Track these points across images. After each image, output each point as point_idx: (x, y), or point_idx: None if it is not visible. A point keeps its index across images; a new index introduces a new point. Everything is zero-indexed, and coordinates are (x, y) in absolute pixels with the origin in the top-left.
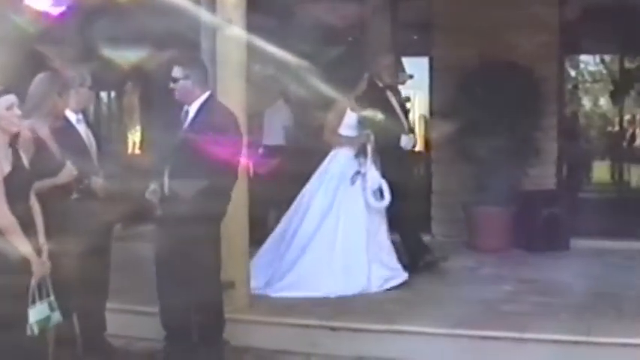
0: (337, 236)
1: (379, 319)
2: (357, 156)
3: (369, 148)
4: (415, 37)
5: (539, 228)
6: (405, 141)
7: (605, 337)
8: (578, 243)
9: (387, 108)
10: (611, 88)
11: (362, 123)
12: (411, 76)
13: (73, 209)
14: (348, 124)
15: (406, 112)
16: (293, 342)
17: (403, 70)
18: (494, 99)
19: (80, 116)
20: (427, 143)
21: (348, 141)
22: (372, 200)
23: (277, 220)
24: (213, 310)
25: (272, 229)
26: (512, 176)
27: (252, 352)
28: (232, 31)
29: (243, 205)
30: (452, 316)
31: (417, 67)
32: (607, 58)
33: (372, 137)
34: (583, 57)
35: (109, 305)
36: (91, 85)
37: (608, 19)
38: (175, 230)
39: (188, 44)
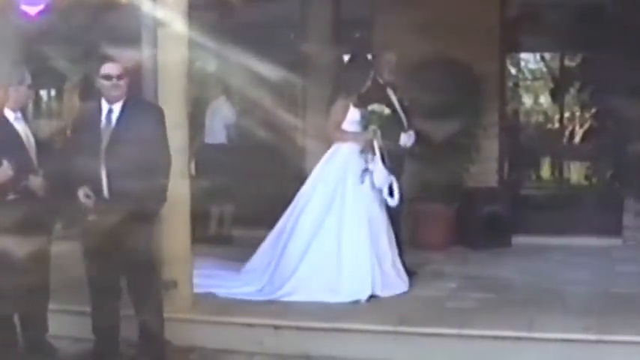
0: (340, 238)
1: (323, 318)
2: (363, 152)
3: (376, 145)
4: (357, 35)
5: (482, 225)
6: (404, 139)
7: (548, 332)
8: (520, 240)
9: (388, 105)
10: (551, 85)
11: (368, 118)
12: None
13: (10, 209)
14: (352, 120)
15: (405, 109)
16: (237, 341)
17: None
18: (435, 97)
19: (19, 114)
20: None
21: (354, 137)
22: (387, 198)
23: (220, 219)
24: (153, 310)
25: (215, 228)
26: (454, 174)
27: (196, 352)
28: (173, 29)
29: (184, 204)
30: (395, 313)
31: None
32: (547, 56)
33: (378, 133)
34: (524, 55)
35: (50, 306)
36: (30, 84)
37: (548, 18)
38: (112, 232)
39: (128, 42)
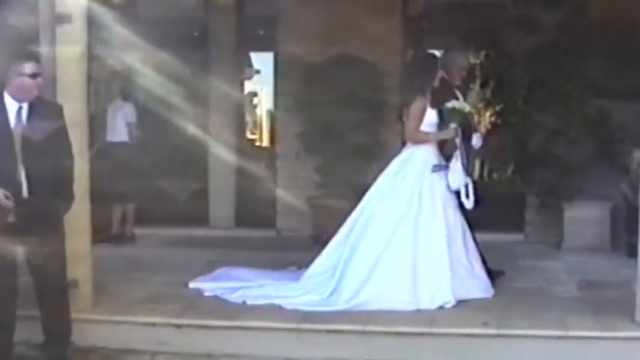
0: (417, 245)
1: (224, 316)
2: (448, 151)
3: (458, 143)
4: (261, 32)
5: None
6: (476, 139)
7: (448, 327)
8: None
9: None
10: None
11: (450, 116)
12: (257, 71)
13: None
14: (429, 122)
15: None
16: (139, 340)
17: (250, 65)
18: (338, 93)
19: None
20: (272, 138)
21: (436, 137)
22: (464, 199)
23: (123, 218)
24: (59, 310)
25: (117, 227)
26: (357, 170)
27: (97, 352)
28: (72, 26)
29: (84, 203)
30: (297, 310)
31: (263, 61)
32: None
33: (460, 131)
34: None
35: None
36: None
37: (451, 15)
38: (31, 233)
39: (27, 40)
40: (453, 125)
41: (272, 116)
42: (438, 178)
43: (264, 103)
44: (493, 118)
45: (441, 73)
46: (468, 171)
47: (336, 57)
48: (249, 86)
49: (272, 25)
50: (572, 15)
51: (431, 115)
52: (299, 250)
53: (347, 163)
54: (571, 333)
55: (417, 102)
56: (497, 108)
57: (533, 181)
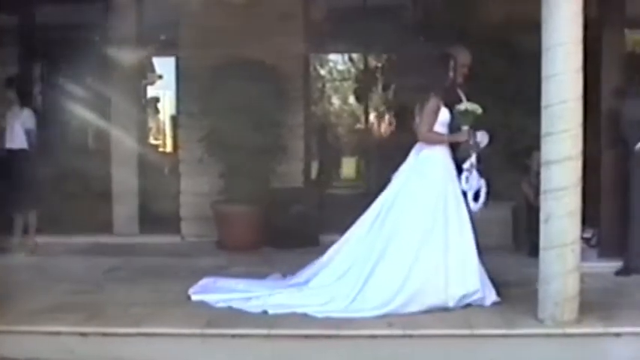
0: (447, 244)
1: (129, 323)
2: (459, 154)
3: (472, 145)
4: (162, 37)
5: (288, 225)
6: (480, 136)
7: (355, 329)
8: (327, 238)
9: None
10: (358, 85)
11: (463, 117)
12: (160, 76)
13: None
14: (442, 121)
15: None
16: (45, 350)
17: (153, 70)
18: (240, 98)
19: None
20: (175, 143)
21: (449, 139)
22: (471, 202)
23: (24, 227)
24: None
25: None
26: (260, 174)
27: None
28: None
29: None
30: (201, 316)
31: (165, 66)
32: (355, 57)
33: (472, 133)
34: (332, 56)
35: None
36: None
37: (352, 18)
38: None
39: None
40: (465, 127)
41: (175, 121)
42: (457, 179)
43: (167, 108)
44: (396, 121)
45: (452, 67)
46: (481, 174)
47: (238, 61)
48: (152, 91)
49: (173, 29)
50: (471, 18)
51: (444, 115)
52: (204, 255)
53: (250, 167)
54: (476, 331)
55: (432, 101)
56: (399, 110)
57: None
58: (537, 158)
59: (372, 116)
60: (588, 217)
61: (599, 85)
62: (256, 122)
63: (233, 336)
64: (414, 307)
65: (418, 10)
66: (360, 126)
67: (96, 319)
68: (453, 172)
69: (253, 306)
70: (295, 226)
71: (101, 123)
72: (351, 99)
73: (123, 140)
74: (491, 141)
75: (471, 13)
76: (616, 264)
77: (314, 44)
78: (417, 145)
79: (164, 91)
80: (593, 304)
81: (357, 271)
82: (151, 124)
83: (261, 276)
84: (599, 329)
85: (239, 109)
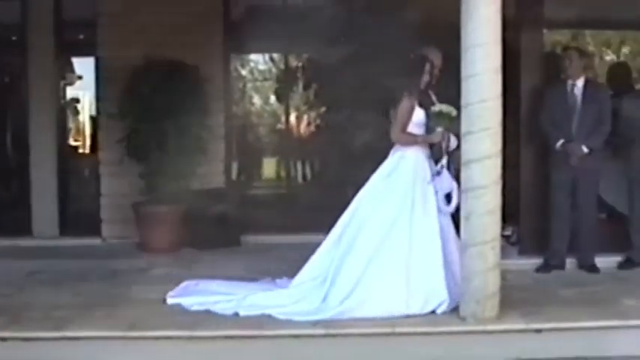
0: (411, 249)
1: (50, 327)
2: (433, 155)
3: (444, 147)
4: (81, 37)
5: (210, 226)
6: (452, 141)
7: (278, 329)
8: (249, 239)
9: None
10: (278, 85)
11: (436, 119)
12: (79, 77)
13: None
14: (417, 122)
15: None
16: None
17: (72, 70)
18: (160, 98)
19: None
20: (95, 144)
21: (423, 139)
22: (442, 204)
23: None
24: None
25: None
26: (181, 175)
27: None
28: None
29: None
30: (124, 318)
31: (85, 67)
32: (276, 57)
33: (447, 135)
34: (252, 56)
35: None
36: None
37: (272, 19)
38: None
39: None
40: (439, 129)
41: (95, 122)
42: (423, 179)
43: (87, 109)
44: (317, 121)
45: (428, 70)
46: (454, 176)
47: (158, 61)
48: (71, 92)
49: (92, 29)
50: (392, 17)
51: (419, 115)
52: (125, 257)
53: (171, 168)
54: (398, 329)
55: (405, 101)
56: (321, 110)
57: (358, 182)
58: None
59: (292, 116)
60: (508, 215)
61: (518, 85)
62: (176, 123)
63: (156, 338)
64: (369, 311)
65: (339, 10)
66: (281, 126)
67: (16, 323)
68: (425, 173)
69: (227, 308)
70: (216, 227)
71: (19, 124)
72: (272, 99)
73: (42, 141)
74: (458, 145)
75: (392, 14)
76: (536, 261)
77: (235, 44)
78: (395, 147)
79: (84, 91)
80: (514, 300)
81: (323, 274)
82: (71, 125)
83: (183, 277)
84: (520, 326)
85: (159, 109)
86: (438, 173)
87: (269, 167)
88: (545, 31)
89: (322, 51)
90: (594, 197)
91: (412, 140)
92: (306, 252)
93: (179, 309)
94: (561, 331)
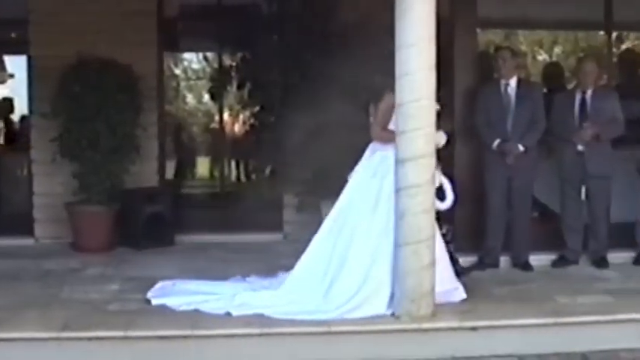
0: (369, 247)
1: None
2: None
3: None
4: (13, 35)
5: (143, 225)
6: (438, 137)
7: (211, 329)
8: (183, 238)
9: None
10: (212, 84)
11: None
12: (11, 75)
13: None
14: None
15: None
16: None
17: (3, 69)
18: (92, 97)
19: None
20: (27, 144)
21: None
22: (436, 202)
23: None
24: None
25: None
26: (114, 175)
27: None
28: None
29: None
30: (58, 319)
31: (17, 65)
32: (210, 55)
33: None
34: (187, 55)
35: None
36: None
37: (207, 17)
38: None
39: None
40: None
41: (27, 121)
42: None
43: (19, 108)
44: (251, 120)
45: None
46: (442, 172)
47: (91, 60)
48: (3, 91)
49: (24, 27)
50: (326, 16)
51: None
52: (58, 257)
53: (104, 167)
54: (333, 329)
55: (386, 99)
56: (255, 109)
57: (291, 181)
58: None
59: (226, 116)
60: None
61: (452, 84)
62: (109, 122)
63: (89, 339)
64: (366, 311)
65: (273, 9)
66: (214, 125)
67: None
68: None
69: (217, 307)
70: (150, 226)
71: None
72: (206, 98)
73: None
74: (449, 141)
75: (326, 12)
76: (471, 259)
77: (168, 42)
78: (371, 145)
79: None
80: None
81: (319, 273)
82: (1, 124)
83: (116, 277)
84: (455, 324)
85: (92, 108)
86: None
87: (203, 166)
88: (478, 30)
89: (256, 50)
90: (529, 196)
91: (392, 137)
92: (240, 251)
93: (114, 308)
94: (496, 329)
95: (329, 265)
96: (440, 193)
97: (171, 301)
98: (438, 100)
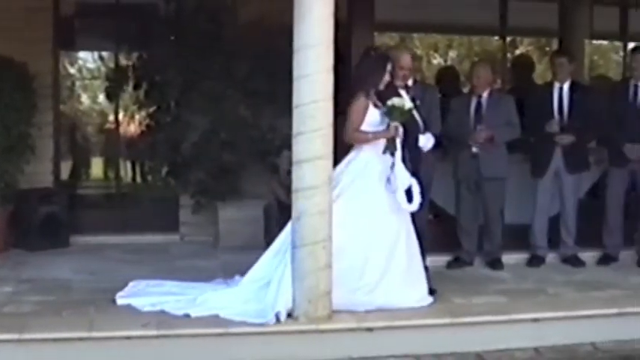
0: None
1: None
2: (385, 152)
3: (399, 143)
4: None
5: (38, 226)
6: (423, 140)
7: (108, 331)
8: (78, 239)
9: None
10: (108, 84)
11: (390, 114)
12: None
13: None
14: (371, 121)
15: (419, 110)
16: None
17: None
18: None
19: None
20: None
21: (375, 136)
22: (403, 203)
23: None
24: None
25: None
26: (8, 175)
27: None
28: None
29: None
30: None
31: None
32: (105, 55)
33: (400, 130)
34: (82, 54)
35: None
36: None
37: (104, 15)
38: None
39: None
40: (394, 124)
41: None
42: (378, 179)
43: None
44: (147, 120)
45: (389, 70)
46: (412, 172)
47: None
48: None
49: None
50: (223, 17)
51: (374, 115)
52: None
53: None
54: (230, 330)
55: (359, 100)
56: (151, 110)
57: (187, 182)
58: (288, 157)
59: (122, 116)
60: None
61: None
62: (3, 120)
63: None
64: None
65: (170, 9)
66: (110, 125)
67: None
68: (372, 173)
69: (177, 308)
70: (45, 228)
71: None
72: (102, 98)
73: None
74: (436, 145)
75: (224, 13)
76: None
77: (64, 41)
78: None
79: None
80: None
81: (274, 277)
82: None
83: (9, 279)
84: (352, 324)
85: None
86: (391, 172)
87: (98, 167)
88: (375, 33)
89: (153, 49)
90: (425, 198)
91: (364, 138)
92: (136, 252)
93: (9, 310)
94: (392, 329)
95: (277, 269)
96: (408, 195)
97: (137, 302)
98: (336, 104)
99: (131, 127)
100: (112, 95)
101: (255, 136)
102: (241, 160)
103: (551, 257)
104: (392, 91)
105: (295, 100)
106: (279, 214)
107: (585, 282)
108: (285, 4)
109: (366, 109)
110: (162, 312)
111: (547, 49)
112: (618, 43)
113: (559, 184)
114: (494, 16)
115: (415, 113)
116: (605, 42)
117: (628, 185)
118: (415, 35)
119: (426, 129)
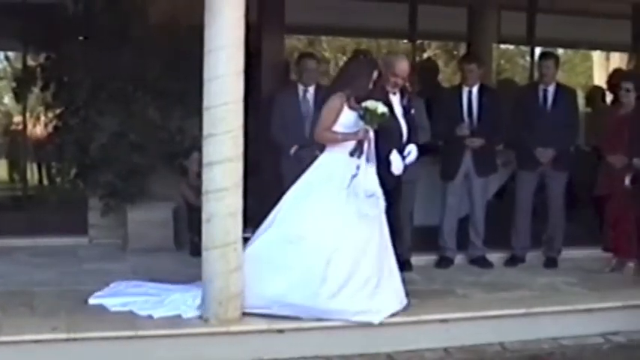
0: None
1: None
2: (352, 154)
3: (367, 146)
4: None
5: None
6: (395, 163)
7: (16, 335)
8: None
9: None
10: (16, 85)
11: (362, 116)
12: None
13: None
14: (344, 123)
15: (410, 119)
16: None
17: None
18: None
19: None
20: None
21: (344, 137)
22: (366, 207)
23: None
24: None
25: None
26: None
27: None
28: None
29: None
30: None
31: None
32: (11, 55)
33: (370, 134)
34: None
35: None
36: None
37: (10, 15)
38: None
39: None
40: (365, 127)
41: None
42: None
43: None
44: (55, 122)
45: (375, 76)
46: (381, 178)
47: None
48: None
49: None
50: (133, 17)
51: (348, 117)
52: None
53: None
54: (140, 332)
55: (334, 101)
56: (59, 111)
57: (96, 184)
58: (197, 159)
59: (29, 117)
60: (250, 218)
61: (259, 88)
62: None
63: None
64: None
65: (79, 9)
66: (16, 127)
67: None
68: (343, 176)
69: (143, 308)
70: None
71: None
72: (8, 99)
73: None
74: (419, 155)
75: (133, 13)
76: None
77: None
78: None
79: None
80: None
81: None
82: None
83: None
84: (263, 326)
85: None
86: (355, 175)
87: (4, 169)
88: (285, 36)
89: (62, 50)
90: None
91: (333, 138)
92: (45, 254)
93: None
94: (302, 331)
95: None
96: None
97: (108, 301)
98: (246, 105)
99: (38, 128)
100: (19, 96)
101: (164, 137)
102: (150, 162)
103: (459, 258)
104: (381, 96)
105: (206, 102)
106: (188, 216)
107: (493, 283)
108: (195, 4)
109: (339, 109)
110: (131, 312)
111: (455, 52)
112: (525, 48)
113: (468, 187)
114: (403, 20)
115: (402, 125)
116: (512, 46)
117: (536, 187)
118: (323, 38)
119: (410, 140)
